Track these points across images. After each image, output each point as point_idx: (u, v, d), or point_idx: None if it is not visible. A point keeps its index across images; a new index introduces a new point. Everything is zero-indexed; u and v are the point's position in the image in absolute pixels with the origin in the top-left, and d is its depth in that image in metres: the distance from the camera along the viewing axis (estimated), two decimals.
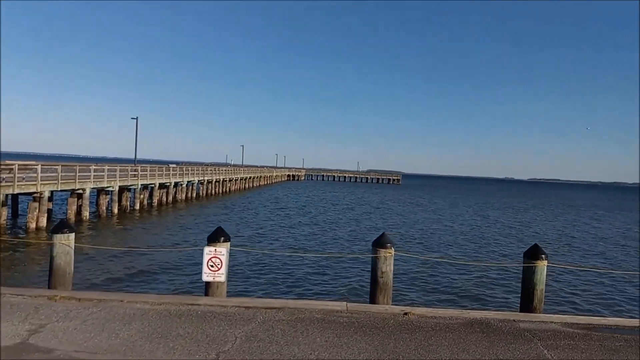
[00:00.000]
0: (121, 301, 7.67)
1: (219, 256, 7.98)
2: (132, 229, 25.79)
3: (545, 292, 13.01)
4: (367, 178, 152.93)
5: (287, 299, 10.51)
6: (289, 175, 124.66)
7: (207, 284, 8.12)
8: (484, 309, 10.32)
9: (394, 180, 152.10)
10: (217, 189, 55.08)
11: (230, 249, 8.27)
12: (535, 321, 7.58)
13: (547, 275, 8.21)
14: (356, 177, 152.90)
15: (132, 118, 45.26)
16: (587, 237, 32.82)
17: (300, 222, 32.92)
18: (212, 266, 7.98)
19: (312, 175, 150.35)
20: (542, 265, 7.95)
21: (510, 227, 36.60)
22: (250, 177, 72.19)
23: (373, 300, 8.12)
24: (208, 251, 7.99)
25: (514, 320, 7.53)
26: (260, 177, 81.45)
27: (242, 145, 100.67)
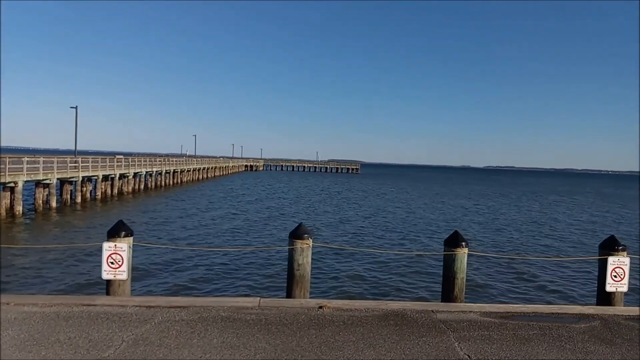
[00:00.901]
0: (7, 304, 6.91)
1: (119, 252, 7.34)
2: (63, 224, 24.52)
3: (482, 281, 12.88)
4: (326, 168, 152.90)
5: (197, 296, 9.93)
6: (246, 166, 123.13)
7: (108, 282, 7.48)
8: (403, 300, 10.07)
9: (353, 169, 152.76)
10: (167, 181, 53.52)
11: (133, 244, 7.64)
12: (454, 311, 7.32)
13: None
14: (315, 167, 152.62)
15: (71, 107, 42.97)
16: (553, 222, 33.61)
17: (260, 217, 32.33)
18: (112, 263, 7.33)
19: (270, 165, 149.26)
20: (463, 253, 7.70)
21: (481, 214, 37.09)
22: (204, 168, 70.59)
23: (289, 294, 7.69)
24: (107, 247, 7.33)
25: (432, 311, 7.24)
26: (215, 167, 79.84)
27: (195, 135, 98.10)
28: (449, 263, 7.76)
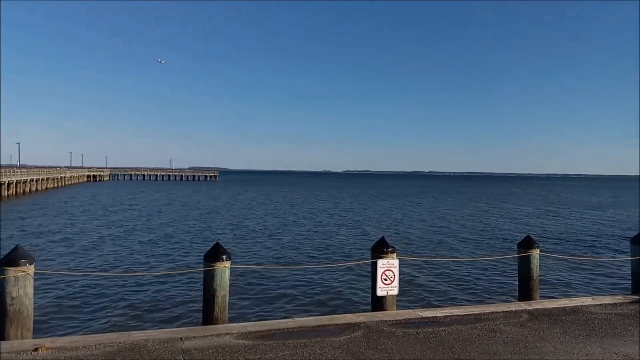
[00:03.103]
0: None
1: None
2: None
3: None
4: (181, 176, 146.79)
5: None
6: (88, 176, 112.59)
7: None
8: (153, 329, 8.94)
9: (211, 177, 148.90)
10: None
11: None
12: (207, 336, 6.39)
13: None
14: (169, 176, 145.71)
15: None
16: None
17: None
18: None
19: (118, 175, 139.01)
20: (222, 268, 6.84)
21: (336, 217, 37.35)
22: (31, 180, 62.45)
23: (2, 336, 6.12)
24: None
25: (180, 339, 6.23)
26: (47, 179, 71.33)
27: (18, 143, 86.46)
28: (208, 280, 6.84)
